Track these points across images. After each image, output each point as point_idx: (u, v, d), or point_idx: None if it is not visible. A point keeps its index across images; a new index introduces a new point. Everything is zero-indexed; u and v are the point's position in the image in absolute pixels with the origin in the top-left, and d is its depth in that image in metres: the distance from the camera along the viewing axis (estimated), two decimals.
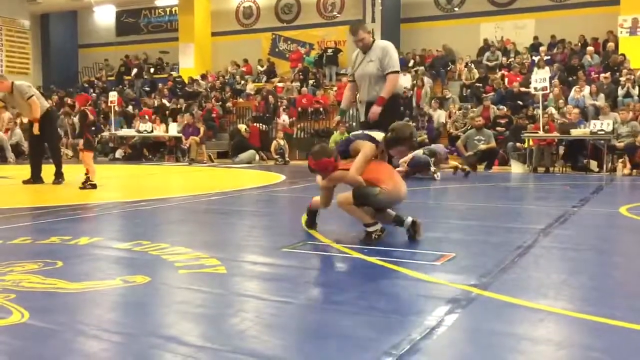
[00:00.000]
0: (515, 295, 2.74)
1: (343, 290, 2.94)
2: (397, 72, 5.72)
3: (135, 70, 22.40)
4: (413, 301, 2.68)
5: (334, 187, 4.30)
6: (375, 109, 5.61)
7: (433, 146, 10.59)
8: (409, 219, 4.03)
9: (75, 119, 15.72)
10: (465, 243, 4.20)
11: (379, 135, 4.20)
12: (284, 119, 16.58)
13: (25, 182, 8.64)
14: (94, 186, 7.70)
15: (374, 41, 5.81)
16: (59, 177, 8.62)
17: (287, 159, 14.98)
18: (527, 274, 3.23)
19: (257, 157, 15.38)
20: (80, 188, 7.67)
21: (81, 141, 8.14)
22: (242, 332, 2.28)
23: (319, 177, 4.30)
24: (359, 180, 3.98)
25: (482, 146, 12.12)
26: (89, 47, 25.34)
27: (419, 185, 8.68)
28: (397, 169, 9.96)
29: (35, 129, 8.48)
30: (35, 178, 8.65)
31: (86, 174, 7.77)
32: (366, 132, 4.35)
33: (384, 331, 2.28)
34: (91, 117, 8.26)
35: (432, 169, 9.76)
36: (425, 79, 16.73)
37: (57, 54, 24.50)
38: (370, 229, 3.96)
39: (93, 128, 8.45)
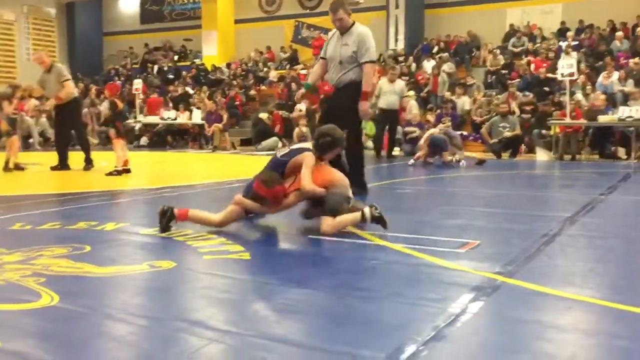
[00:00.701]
0: (541, 283, 2.72)
1: (367, 277, 2.94)
2: (373, 62, 5.62)
3: (156, 68, 22.51)
4: (437, 288, 2.67)
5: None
6: (364, 106, 5.56)
7: (450, 131, 10.45)
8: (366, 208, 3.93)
9: (101, 107, 15.92)
10: (490, 231, 4.17)
11: (309, 144, 4.19)
12: (300, 108, 16.53)
13: (53, 168, 8.83)
14: (119, 173, 7.83)
15: (353, 24, 5.66)
16: (88, 163, 8.79)
17: None
18: (553, 262, 3.19)
19: (280, 144, 15.39)
20: (107, 175, 7.84)
21: (112, 130, 8.28)
22: (266, 318, 2.30)
23: (242, 200, 4.05)
24: (316, 189, 3.88)
25: (507, 133, 11.97)
26: (114, 35, 25.53)
27: (442, 173, 8.62)
28: (418, 153, 9.98)
29: (51, 103, 8.67)
30: (63, 164, 8.84)
31: (124, 163, 8.02)
32: (296, 146, 4.28)
33: (408, 318, 2.28)
34: (120, 105, 8.45)
35: (456, 157, 9.65)
36: (445, 65, 16.49)
37: (82, 42, 24.70)
38: (367, 215, 3.80)
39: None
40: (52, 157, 9.10)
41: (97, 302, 2.51)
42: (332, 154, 4.20)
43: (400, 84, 12.13)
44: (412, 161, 9.83)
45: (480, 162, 9.79)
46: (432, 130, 10.22)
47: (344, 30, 5.62)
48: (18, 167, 8.72)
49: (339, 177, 4.06)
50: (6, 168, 8.60)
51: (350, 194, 4.07)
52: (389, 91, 11.54)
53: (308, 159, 4.01)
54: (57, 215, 4.72)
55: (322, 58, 5.91)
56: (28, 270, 2.89)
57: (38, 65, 8.96)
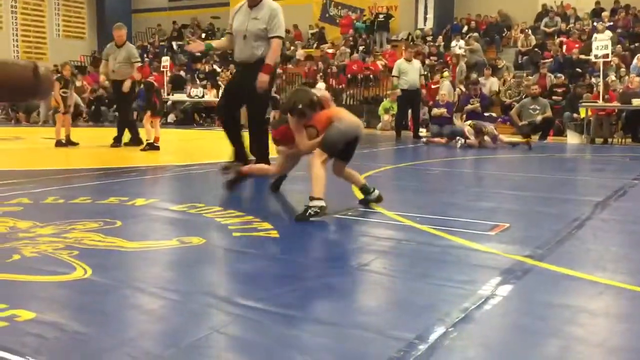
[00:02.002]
0: (572, 267, 2.68)
1: (395, 257, 2.94)
2: (281, 37, 5.45)
3: (175, 45, 22.59)
4: (466, 270, 2.65)
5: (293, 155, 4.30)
6: (264, 78, 5.28)
7: (480, 122, 10.18)
8: (377, 192, 4.10)
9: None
10: (520, 214, 4.12)
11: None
12: (319, 87, 16.41)
13: (113, 144, 8.93)
14: (151, 146, 8.10)
15: None
16: (117, 141, 8.88)
17: None
18: (585, 247, 3.15)
19: None
20: (142, 150, 8.18)
21: (149, 110, 8.44)
22: (295, 295, 2.31)
23: (281, 148, 4.30)
24: (314, 144, 3.90)
25: (539, 117, 11.74)
26: (142, 12, 25.61)
27: (470, 155, 8.53)
28: (435, 138, 9.96)
29: (126, 86, 8.68)
30: (117, 140, 8.94)
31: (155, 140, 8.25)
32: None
33: (437, 299, 2.27)
34: (156, 85, 8.64)
35: (461, 140, 9.58)
36: (464, 42, 16.21)
37: (111, 19, 24.70)
38: (312, 203, 3.65)
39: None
40: (89, 134, 9.21)
41: (129, 275, 2.56)
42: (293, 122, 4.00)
43: (417, 63, 11.94)
44: (424, 139, 9.94)
45: (530, 145, 9.51)
46: (467, 123, 10.03)
47: (254, 3, 5.43)
48: (70, 142, 8.87)
49: (346, 117, 4.05)
50: (62, 144, 8.72)
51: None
52: (409, 71, 11.35)
53: (292, 124, 3.99)
54: (89, 190, 4.79)
55: (228, 33, 5.67)
56: (61, 244, 2.95)
57: (116, 37, 8.90)
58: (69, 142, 8.83)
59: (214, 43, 6.07)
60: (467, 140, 9.51)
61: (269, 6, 5.42)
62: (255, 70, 5.32)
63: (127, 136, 9.05)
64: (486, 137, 9.49)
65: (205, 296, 2.26)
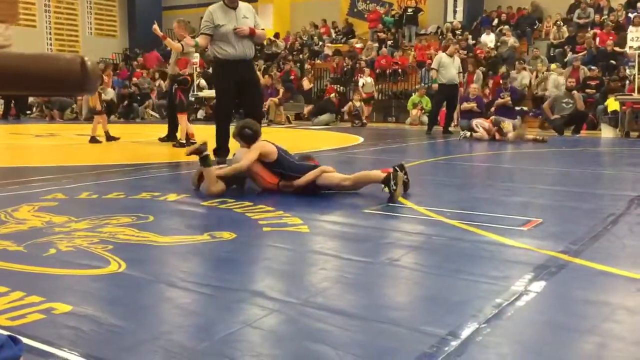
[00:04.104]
0: (608, 263, 2.63)
1: (426, 252, 2.92)
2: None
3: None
4: (499, 266, 2.62)
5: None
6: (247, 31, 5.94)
7: (499, 118, 10.17)
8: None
9: (164, 83, 16.25)
10: (553, 209, 4.05)
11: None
12: (361, 82, 16.30)
13: (161, 139, 9.03)
14: (182, 145, 8.05)
15: None
16: (169, 138, 8.95)
17: (364, 120, 14.87)
18: (621, 242, 3.08)
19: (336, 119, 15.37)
20: (174, 146, 8.21)
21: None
22: (324, 290, 2.31)
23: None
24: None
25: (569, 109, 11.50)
26: (173, 10, 25.84)
27: (501, 150, 8.43)
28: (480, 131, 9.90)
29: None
30: (171, 136, 8.99)
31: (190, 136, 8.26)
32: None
33: (470, 295, 2.25)
34: (188, 79, 8.41)
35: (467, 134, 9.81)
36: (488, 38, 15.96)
37: (142, 17, 25.09)
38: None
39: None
40: (111, 128, 9.32)
41: (162, 270, 2.59)
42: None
43: (457, 59, 11.78)
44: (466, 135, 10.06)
45: (544, 141, 9.46)
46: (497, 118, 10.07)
47: (236, 5, 5.99)
48: (111, 138, 8.98)
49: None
50: (97, 140, 8.84)
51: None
52: (449, 65, 11.16)
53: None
54: (122, 186, 4.86)
55: (205, 34, 6.04)
56: (96, 238, 3.00)
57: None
58: (109, 138, 8.95)
59: (199, 41, 6.35)
60: (474, 134, 9.80)
61: (246, 6, 6.14)
62: (252, 64, 6.27)
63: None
64: (505, 132, 9.62)
65: (237, 290, 2.27)
